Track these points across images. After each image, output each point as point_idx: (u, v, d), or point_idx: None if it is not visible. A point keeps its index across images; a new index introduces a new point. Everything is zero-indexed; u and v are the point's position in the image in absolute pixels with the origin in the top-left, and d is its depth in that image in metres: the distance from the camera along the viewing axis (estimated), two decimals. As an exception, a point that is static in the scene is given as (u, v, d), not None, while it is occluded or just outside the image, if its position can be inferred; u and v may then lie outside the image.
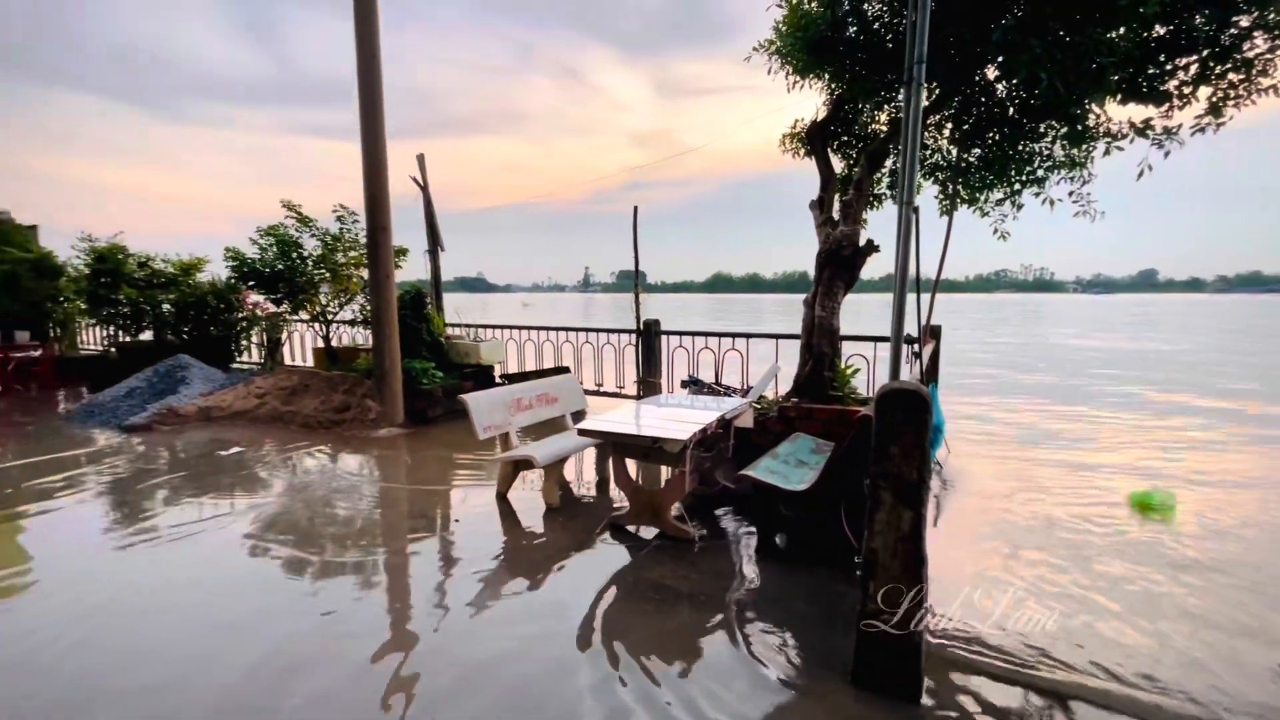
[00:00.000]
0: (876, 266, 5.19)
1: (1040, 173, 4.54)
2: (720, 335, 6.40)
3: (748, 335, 6.17)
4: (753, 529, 3.93)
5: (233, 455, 5.80)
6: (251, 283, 8.69)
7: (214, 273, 10.57)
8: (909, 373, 4.21)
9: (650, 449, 3.70)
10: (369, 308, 7.90)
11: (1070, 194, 4.51)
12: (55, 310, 11.69)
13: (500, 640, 2.74)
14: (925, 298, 3.65)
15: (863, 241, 4.98)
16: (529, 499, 4.52)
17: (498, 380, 7.96)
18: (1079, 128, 4.14)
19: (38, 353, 10.16)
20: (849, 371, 5.07)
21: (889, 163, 5.52)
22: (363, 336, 9.04)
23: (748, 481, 3.65)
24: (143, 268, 10.35)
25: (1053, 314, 47.90)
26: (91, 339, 12.47)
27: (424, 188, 7.95)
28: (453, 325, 8.45)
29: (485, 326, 8.49)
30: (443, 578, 3.42)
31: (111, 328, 10.97)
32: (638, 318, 6.52)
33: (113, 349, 10.82)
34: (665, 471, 5.09)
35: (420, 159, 7.95)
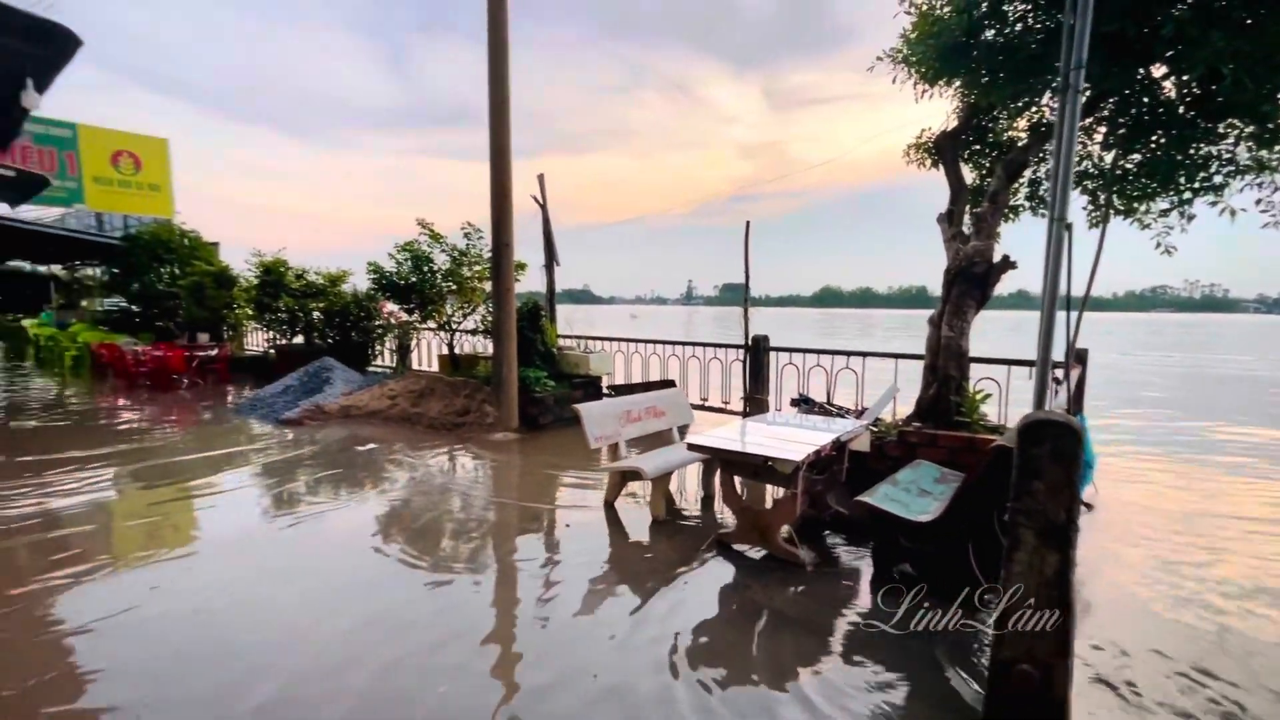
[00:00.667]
0: (1006, 282, 4.80)
1: (1218, 179, 3.99)
2: (834, 353, 6.17)
3: (864, 354, 5.90)
4: (868, 558, 3.74)
5: (367, 450, 6.35)
6: (388, 293, 9.51)
7: (354, 284, 11.73)
8: (1052, 400, 3.82)
9: (761, 468, 3.63)
10: (489, 318, 8.39)
11: (1258, 202, 3.93)
12: (229, 315, 13.45)
13: (604, 646, 2.78)
14: (1067, 317, 3.32)
15: (997, 257, 4.63)
16: (635, 509, 4.58)
17: (605, 391, 8.14)
18: (1270, 127, 3.61)
19: (215, 352, 11.70)
20: (979, 397, 4.71)
21: (1028, 172, 5.11)
22: (482, 345, 9.60)
23: (864, 508, 3.48)
24: (299, 279, 11.67)
25: (1228, 337, 41.85)
26: (255, 341, 14.20)
27: (543, 206, 8.35)
28: (564, 336, 8.77)
29: (594, 339, 8.74)
30: (548, 578, 3.53)
31: (271, 332, 12.44)
32: (746, 333, 6.44)
33: (272, 350, 12.26)
34: (770, 491, 4.98)
35: (540, 179, 8.37)
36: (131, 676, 2.55)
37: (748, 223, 6.06)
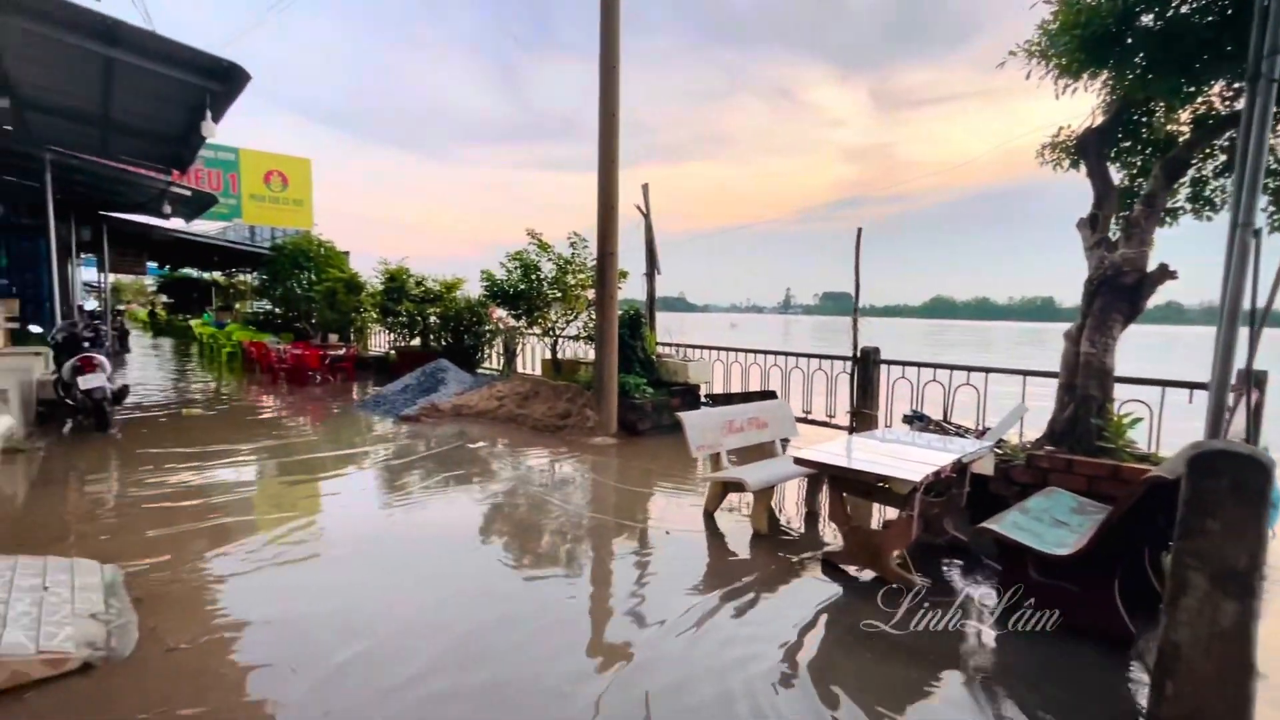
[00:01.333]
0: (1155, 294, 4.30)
1: None
2: (953, 368, 5.78)
3: (987, 369, 5.48)
4: (990, 590, 3.46)
5: (476, 448, 6.69)
6: (498, 300, 10.01)
7: (466, 290, 12.43)
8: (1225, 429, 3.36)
9: (873, 487, 3.47)
10: (591, 324, 8.60)
11: None
12: (356, 319, 14.67)
13: (702, 658, 2.75)
14: (1252, 332, 2.91)
15: (1151, 266, 4.16)
16: (736, 521, 4.52)
17: (703, 400, 8.11)
18: None
19: (343, 351, 12.79)
20: (1126, 420, 4.24)
21: (1190, 171, 4.56)
22: (583, 350, 9.87)
23: (990, 536, 3.23)
24: (418, 286, 12.54)
25: None
26: (377, 342, 15.39)
27: (646, 215, 8.49)
28: (663, 344, 8.84)
29: (693, 346, 8.74)
30: (644, 580, 3.56)
31: (393, 334, 13.44)
32: (855, 344, 6.19)
33: (392, 351, 13.23)
34: (878, 511, 4.74)
35: (645, 189, 8.52)
36: (262, 618, 2.84)
37: (859, 229, 5.84)
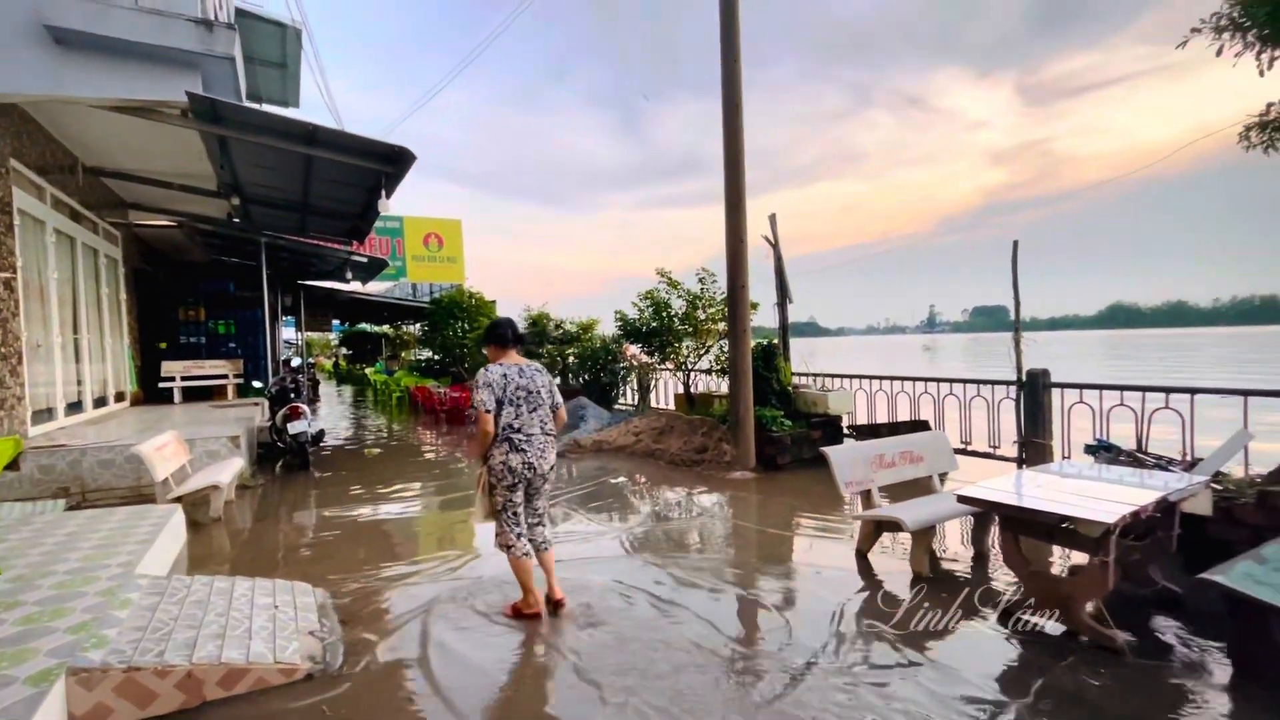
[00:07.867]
0: None
1: None
2: (1146, 389, 5.03)
3: (1192, 390, 4.73)
4: (1216, 653, 2.94)
5: (617, 482, 6.90)
6: (631, 338, 10.36)
7: (600, 329, 12.98)
8: None
9: (1056, 528, 3.10)
10: (724, 357, 8.60)
11: None
12: (504, 361, 15.80)
13: (863, 708, 2.58)
14: None
15: None
16: (892, 561, 4.24)
17: (845, 432, 7.76)
18: None
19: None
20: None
21: None
22: (715, 384, 9.87)
23: (1216, 589, 2.75)
24: (558, 329, 13.33)
25: None
26: (523, 382, 16.44)
27: (775, 245, 8.42)
28: (799, 374, 8.61)
29: (831, 376, 8.42)
30: (792, 621, 3.41)
31: (536, 374, 14.32)
32: (1019, 367, 5.63)
33: (536, 391, 14.08)
34: (1059, 554, 4.22)
35: (772, 219, 8.46)
36: (441, 640, 3.08)
37: (1015, 243, 5.35)
